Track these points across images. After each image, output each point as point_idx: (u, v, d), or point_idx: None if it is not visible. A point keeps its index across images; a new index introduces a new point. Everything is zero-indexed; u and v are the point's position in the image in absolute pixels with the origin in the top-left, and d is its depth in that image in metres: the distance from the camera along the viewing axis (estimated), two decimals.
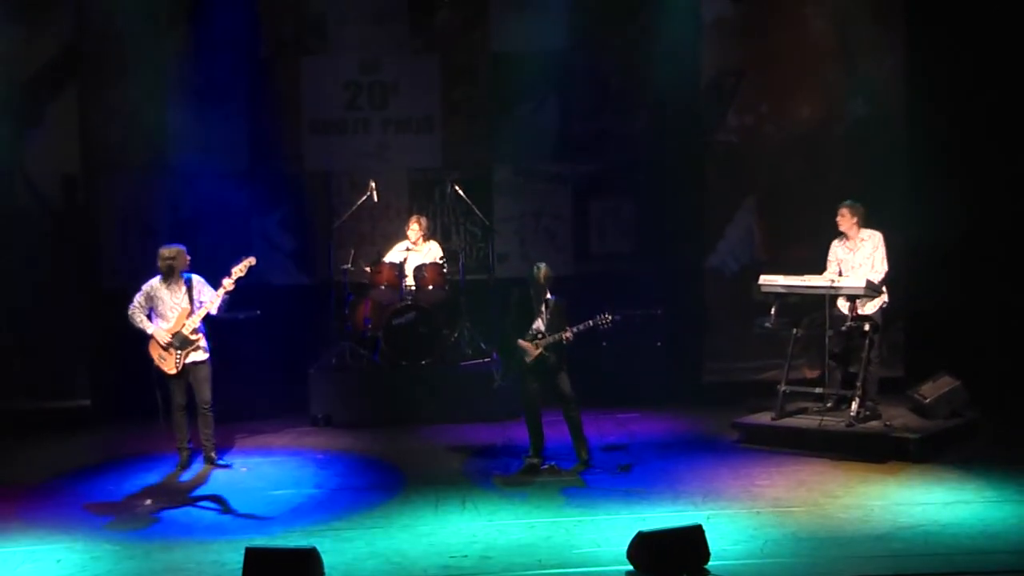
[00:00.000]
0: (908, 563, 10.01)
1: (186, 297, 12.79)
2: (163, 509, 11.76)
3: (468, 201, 15.98)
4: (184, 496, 12.27)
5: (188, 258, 12.89)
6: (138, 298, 12.83)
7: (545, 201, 16.97)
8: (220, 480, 12.74)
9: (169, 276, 12.80)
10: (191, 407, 13.02)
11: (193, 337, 12.77)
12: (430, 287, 15.22)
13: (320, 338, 15.88)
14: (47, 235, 15.67)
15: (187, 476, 12.88)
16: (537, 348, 12.71)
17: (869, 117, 16.45)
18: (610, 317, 12.67)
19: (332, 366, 15.49)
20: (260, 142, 16.39)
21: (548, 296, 12.85)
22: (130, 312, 12.80)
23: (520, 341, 12.76)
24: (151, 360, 12.83)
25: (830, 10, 16.37)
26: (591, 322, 12.67)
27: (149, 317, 12.84)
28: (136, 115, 16.04)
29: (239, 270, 12.80)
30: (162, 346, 12.75)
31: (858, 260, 13.75)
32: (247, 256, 12.97)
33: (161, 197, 16.22)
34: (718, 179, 16.53)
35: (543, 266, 12.92)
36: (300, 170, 16.67)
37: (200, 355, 12.88)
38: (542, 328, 12.76)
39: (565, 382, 12.84)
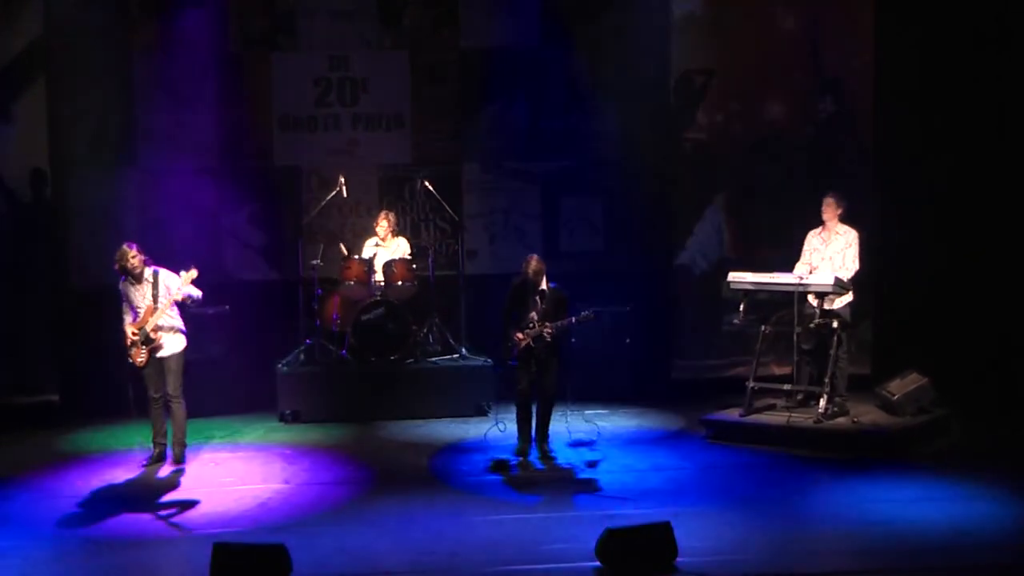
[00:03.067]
0: (876, 559, 10.07)
1: (150, 294, 12.69)
2: (132, 505, 11.76)
3: (438, 197, 15.98)
4: (153, 492, 12.23)
5: (137, 256, 12.59)
6: (123, 304, 12.85)
7: (514, 198, 16.94)
8: (188, 476, 12.69)
9: (127, 275, 12.71)
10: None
11: (154, 335, 12.68)
12: (399, 283, 15.21)
13: (289, 334, 15.82)
14: (15, 231, 15.59)
15: (156, 472, 12.82)
16: (524, 339, 12.72)
17: (838, 116, 16.50)
18: (592, 314, 12.70)
19: (301, 362, 15.47)
20: (229, 138, 16.32)
21: (543, 286, 12.85)
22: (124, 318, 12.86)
23: (511, 331, 12.78)
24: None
25: (800, 9, 16.39)
26: (573, 319, 12.70)
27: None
28: (105, 111, 16.02)
29: (183, 281, 12.67)
30: (129, 341, 12.74)
31: (829, 252, 13.81)
32: (188, 269, 12.72)
33: (130, 193, 16.11)
34: (687, 177, 16.55)
35: (533, 257, 12.93)
36: (270, 166, 16.60)
37: (167, 351, 12.79)
38: (535, 318, 12.77)
39: (551, 376, 12.88)
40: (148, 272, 12.73)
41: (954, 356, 15.22)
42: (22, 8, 15.51)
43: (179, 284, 12.69)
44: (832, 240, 13.85)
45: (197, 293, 12.81)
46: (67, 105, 15.88)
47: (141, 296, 12.72)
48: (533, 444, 13.11)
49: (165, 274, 12.80)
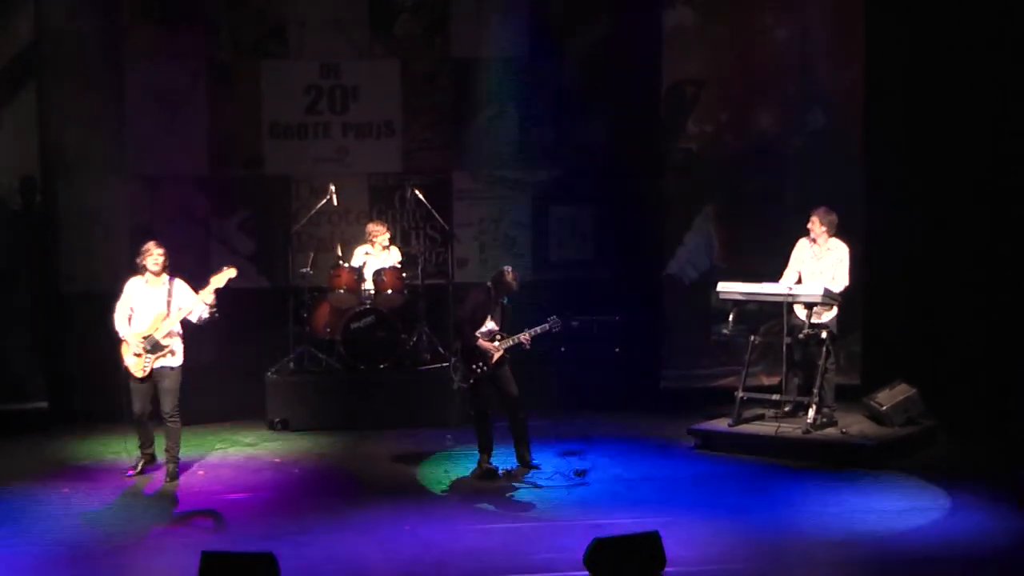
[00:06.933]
0: (863, 570, 10.10)
1: (164, 300, 12.52)
2: (121, 513, 11.75)
3: (428, 206, 15.97)
4: (141, 500, 12.22)
5: (162, 256, 12.45)
6: (121, 301, 12.57)
7: (505, 208, 16.93)
8: (177, 484, 12.66)
9: (152, 275, 12.49)
10: (156, 416, 12.79)
11: (164, 342, 12.48)
12: (389, 291, 15.21)
13: (278, 342, 15.78)
14: (4, 237, 15.59)
15: (145, 482, 12.76)
16: (498, 350, 12.72)
17: (828, 128, 16.54)
18: (560, 321, 12.71)
19: (290, 370, 15.45)
20: (219, 146, 16.30)
21: (504, 300, 12.87)
22: (115, 318, 12.56)
23: (480, 342, 12.75)
24: (121, 361, 12.58)
25: (791, 21, 16.43)
26: (547, 325, 12.71)
27: (131, 317, 12.57)
28: (95, 117, 15.94)
29: (219, 280, 12.52)
30: (133, 351, 12.51)
31: (820, 267, 13.79)
32: (227, 266, 12.73)
33: (120, 200, 16.09)
34: (677, 187, 16.59)
35: (512, 270, 12.91)
36: (260, 174, 16.57)
37: (170, 360, 12.57)
38: (497, 329, 12.76)
39: (512, 383, 12.84)
40: (164, 277, 12.60)
41: (942, 367, 15.24)
42: (13, 14, 15.50)
43: (196, 300, 12.51)
44: (824, 255, 13.82)
45: (197, 306, 12.56)
46: (57, 112, 15.84)
47: (154, 300, 12.51)
48: (512, 455, 13.10)
49: (180, 284, 12.63)
